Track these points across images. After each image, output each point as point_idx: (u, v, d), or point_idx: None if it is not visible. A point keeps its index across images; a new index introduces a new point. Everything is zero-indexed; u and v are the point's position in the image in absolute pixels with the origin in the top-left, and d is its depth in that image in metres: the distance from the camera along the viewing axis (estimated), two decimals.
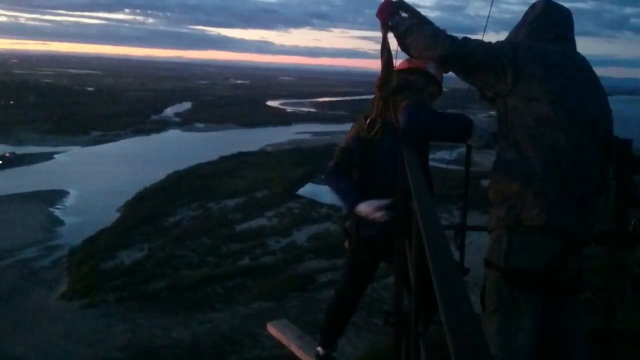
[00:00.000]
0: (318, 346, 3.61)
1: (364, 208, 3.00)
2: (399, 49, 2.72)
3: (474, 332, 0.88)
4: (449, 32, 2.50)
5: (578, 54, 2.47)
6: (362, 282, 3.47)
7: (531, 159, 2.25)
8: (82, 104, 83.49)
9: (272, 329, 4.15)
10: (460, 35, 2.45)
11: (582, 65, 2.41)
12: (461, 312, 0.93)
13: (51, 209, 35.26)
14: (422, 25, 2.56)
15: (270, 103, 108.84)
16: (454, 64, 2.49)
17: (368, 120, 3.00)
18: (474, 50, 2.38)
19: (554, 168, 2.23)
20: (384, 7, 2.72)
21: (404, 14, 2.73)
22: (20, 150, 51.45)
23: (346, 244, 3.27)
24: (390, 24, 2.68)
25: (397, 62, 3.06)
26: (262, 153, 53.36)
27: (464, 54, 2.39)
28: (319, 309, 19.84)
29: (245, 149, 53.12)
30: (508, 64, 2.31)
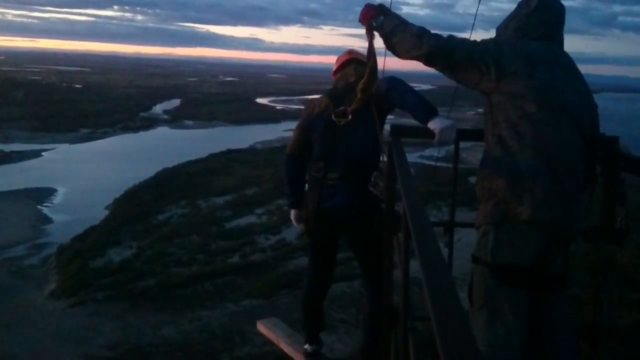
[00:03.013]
0: (305, 344, 3.63)
1: (293, 215, 3.47)
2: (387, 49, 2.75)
3: (462, 329, 0.88)
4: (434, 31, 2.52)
5: (563, 52, 2.49)
6: (327, 264, 3.59)
7: (517, 154, 2.27)
8: (70, 101, 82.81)
9: (261, 327, 4.15)
10: (446, 33, 2.48)
11: (566, 62, 2.44)
12: (449, 309, 0.94)
13: (39, 207, 34.99)
14: (407, 24, 2.58)
15: (259, 100, 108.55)
16: (439, 61, 2.51)
17: (342, 110, 3.16)
18: (458, 47, 2.41)
19: (540, 164, 2.25)
20: (366, 11, 2.76)
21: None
22: (8, 147, 51.01)
23: (302, 228, 3.43)
24: (375, 24, 2.71)
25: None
26: (251, 150, 53.21)
27: (448, 52, 2.42)
28: (324, 315, 19.80)
29: (234, 147, 52.96)
30: (492, 62, 2.33)
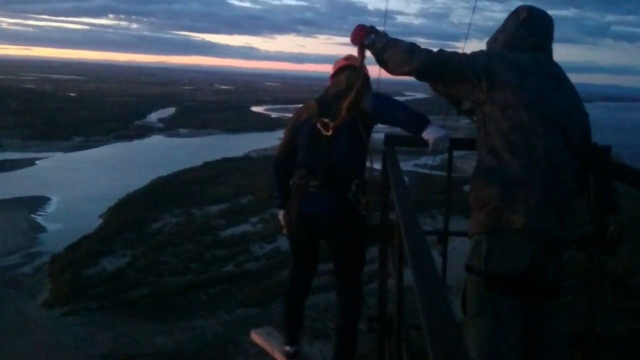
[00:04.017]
0: (285, 346, 3.72)
1: (281, 215, 3.52)
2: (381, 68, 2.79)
3: (454, 339, 0.89)
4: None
5: (552, 62, 2.52)
6: (308, 266, 3.66)
7: (508, 164, 2.29)
8: (65, 109, 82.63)
9: (255, 337, 4.14)
10: (436, 48, 2.52)
11: (556, 72, 2.47)
12: (441, 319, 0.95)
13: (33, 216, 34.83)
14: (398, 40, 2.62)
15: (254, 109, 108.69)
16: (431, 75, 2.55)
17: (328, 123, 3.19)
18: (449, 60, 2.43)
19: (531, 173, 2.27)
20: (358, 31, 2.81)
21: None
22: (1, 156, 50.82)
23: (284, 231, 3.52)
24: (366, 42, 2.76)
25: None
26: (246, 159, 53.17)
27: (439, 65, 2.45)
28: (304, 316, 19.79)
29: (229, 155, 52.92)
30: (482, 73, 2.35)
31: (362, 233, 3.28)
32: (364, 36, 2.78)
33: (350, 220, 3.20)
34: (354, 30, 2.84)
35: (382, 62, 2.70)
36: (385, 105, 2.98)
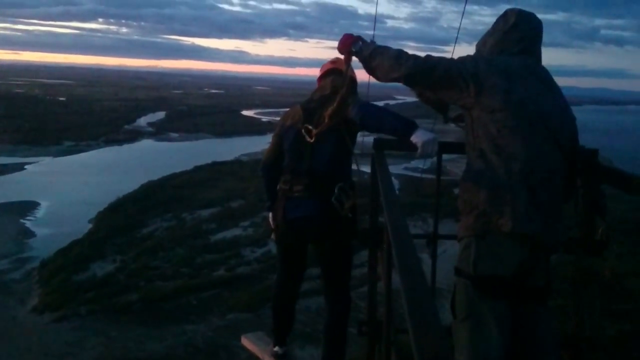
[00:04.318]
0: (274, 347, 3.76)
1: (271, 218, 3.53)
2: (371, 78, 2.81)
3: (440, 343, 0.89)
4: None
5: (540, 66, 2.53)
6: (295, 270, 3.68)
7: (497, 168, 2.30)
8: (54, 114, 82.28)
9: (246, 341, 4.12)
10: (423, 53, 2.53)
11: (543, 76, 2.48)
12: (428, 324, 0.94)
13: (22, 221, 34.62)
14: (386, 47, 2.63)
15: (245, 112, 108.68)
16: (419, 81, 2.56)
17: (312, 130, 3.21)
18: (436, 66, 2.45)
19: (519, 176, 2.28)
20: (345, 39, 2.83)
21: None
22: None
23: (272, 236, 3.54)
24: (354, 49, 2.78)
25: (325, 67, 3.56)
26: (237, 162, 53.11)
27: (427, 71, 2.46)
28: (295, 320, 19.75)
29: (220, 159, 52.86)
30: (469, 77, 2.36)
31: (347, 236, 3.30)
32: (351, 44, 2.79)
33: (334, 224, 3.22)
34: (342, 39, 2.86)
35: (370, 69, 2.71)
36: (371, 115, 3.01)
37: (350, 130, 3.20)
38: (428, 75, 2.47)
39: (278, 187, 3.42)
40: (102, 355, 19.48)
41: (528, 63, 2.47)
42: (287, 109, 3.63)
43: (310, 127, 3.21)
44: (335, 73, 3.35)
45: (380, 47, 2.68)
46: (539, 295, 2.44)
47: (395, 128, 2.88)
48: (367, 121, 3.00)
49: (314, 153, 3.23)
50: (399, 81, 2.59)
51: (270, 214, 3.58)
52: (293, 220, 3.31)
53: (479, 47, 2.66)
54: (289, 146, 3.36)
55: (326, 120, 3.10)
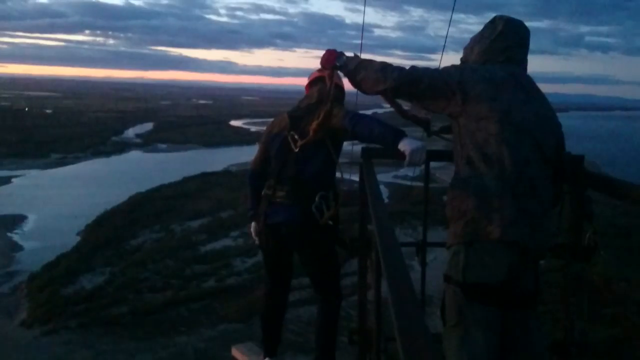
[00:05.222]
0: (264, 358, 3.77)
1: (252, 228, 3.60)
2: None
3: (427, 353, 0.89)
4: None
5: (525, 74, 2.56)
6: (281, 277, 3.72)
7: (484, 175, 2.32)
8: (41, 126, 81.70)
9: (236, 352, 4.11)
10: (408, 65, 2.55)
11: (528, 84, 2.51)
12: (416, 332, 0.95)
13: (9, 234, 34.27)
14: (370, 61, 2.65)
15: (233, 123, 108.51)
16: (405, 92, 2.58)
17: (297, 140, 3.26)
18: (422, 77, 2.47)
19: (506, 183, 2.29)
20: (329, 55, 2.84)
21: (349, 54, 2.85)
22: None
23: (257, 241, 3.58)
24: (338, 64, 2.79)
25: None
26: (226, 173, 52.96)
27: (412, 82, 2.48)
28: (287, 329, 19.68)
29: (209, 169, 52.69)
30: (456, 87, 2.39)
31: (328, 242, 3.32)
32: (335, 59, 2.80)
33: (314, 231, 3.25)
34: (324, 54, 2.88)
35: (355, 83, 2.73)
36: (362, 124, 3.02)
37: (335, 140, 3.23)
38: (414, 87, 2.49)
39: (262, 192, 3.46)
40: None
41: (513, 71, 2.49)
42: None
43: (296, 136, 3.23)
44: (323, 81, 3.37)
45: (364, 60, 2.69)
46: (528, 301, 2.46)
47: (384, 136, 2.89)
48: (358, 130, 3.02)
49: (299, 161, 3.27)
50: (384, 93, 2.60)
51: (253, 224, 3.62)
52: (273, 225, 3.35)
53: (466, 53, 2.69)
54: (275, 153, 3.40)
55: (311, 133, 3.14)
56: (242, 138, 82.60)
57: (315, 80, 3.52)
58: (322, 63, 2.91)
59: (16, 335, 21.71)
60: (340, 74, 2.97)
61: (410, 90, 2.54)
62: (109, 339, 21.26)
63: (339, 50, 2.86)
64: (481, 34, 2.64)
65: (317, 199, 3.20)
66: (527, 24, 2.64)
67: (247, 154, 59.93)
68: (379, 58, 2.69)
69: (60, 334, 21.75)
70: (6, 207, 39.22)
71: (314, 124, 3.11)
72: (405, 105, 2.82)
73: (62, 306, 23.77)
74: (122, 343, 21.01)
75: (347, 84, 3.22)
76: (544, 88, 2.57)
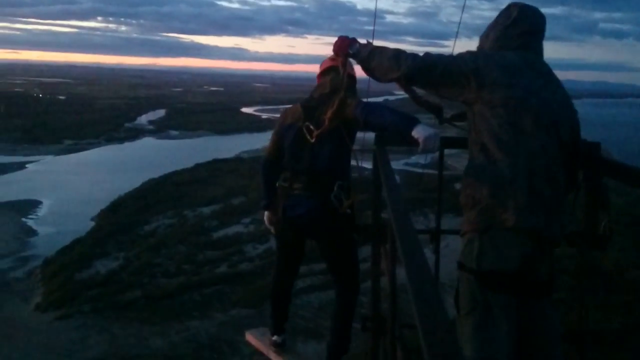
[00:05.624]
0: (272, 335, 3.86)
1: (265, 216, 3.64)
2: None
3: (448, 339, 0.90)
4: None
5: (540, 60, 2.53)
6: (292, 264, 3.79)
7: (499, 162, 2.31)
8: (54, 112, 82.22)
9: (250, 337, 4.14)
10: (422, 52, 2.53)
11: (544, 70, 2.48)
12: (436, 320, 0.95)
13: (24, 219, 34.67)
14: (383, 48, 2.63)
15: (245, 110, 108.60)
16: (419, 80, 2.56)
17: (313, 130, 3.25)
18: (436, 63, 2.45)
19: (521, 171, 2.28)
20: (341, 42, 2.83)
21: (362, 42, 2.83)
22: None
23: (272, 230, 3.63)
24: (351, 51, 2.78)
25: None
26: (237, 160, 53.10)
27: (426, 69, 2.46)
28: (297, 315, 19.81)
29: (220, 156, 52.84)
30: (470, 73, 2.37)
31: (347, 231, 3.35)
32: (348, 46, 2.79)
33: (333, 221, 3.28)
34: (337, 41, 2.88)
35: (368, 71, 2.71)
36: (375, 114, 3.01)
37: (350, 128, 3.22)
38: (428, 74, 2.47)
39: (277, 184, 3.47)
40: (105, 353, 19.54)
41: (528, 57, 2.47)
42: (287, 106, 3.66)
43: (311, 126, 3.23)
44: (335, 70, 3.35)
45: (377, 47, 2.68)
46: (543, 289, 2.45)
47: (397, 125, 2.88)
48: (371, 120, 3.02)
49: (314, 152, 3.27)
50: (398, 81, 2.59)
51: (266, 213, 3.65)
52: (293, 218, 3.37)
53: (482, 41, 2.66)
54: (289, 145, 3.40)
55: (326, 123, 3.14)
56: (253, 125, 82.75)
57: (327, 70, 3.50)
58: (334, 50, 2.90)
59: (31, 319, 22.02)
60: (353, 61, 2.95)
61: (424, 78, 2.52)
62: (123, 323, 21.51)
63: (351, 37, 2.85)
64: (496, 21, 2.62)
65: (335, 188, 3.22)
66: (541, 10, 2.61)
67: (258, 141, 60.11)
68: (390, 44, 2.67)
69: (75, 318, 22.04)
70: (21, 192, 39.62)
71: (329, 113, 3.11)
72: (419, 92, 2.80)
73: (76, 291, 24.06)
74: (135, 327, 21.25)
75: (358, 71, 3.21)
76: (557, 75, 2.55)
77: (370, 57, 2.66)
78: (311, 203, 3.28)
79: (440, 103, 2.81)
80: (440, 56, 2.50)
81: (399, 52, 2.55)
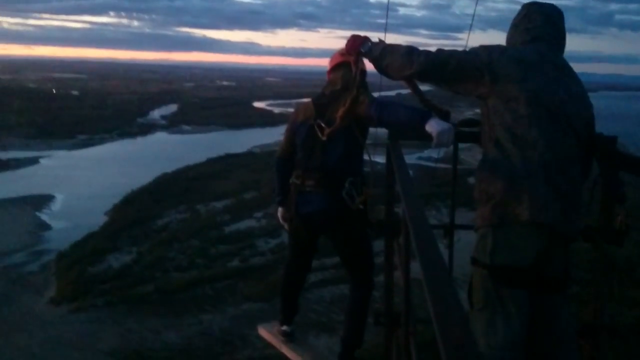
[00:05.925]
0: (282, 325, 3.91)
1: (280, 212, 3.71)
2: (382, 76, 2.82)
3: (464, 333, 0.89)
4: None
5: (555, 53, 2.51)
6: (304, 259, 3.84)
7: (513, 157, 2.29)
8: (67, 107, 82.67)
9: (263, 331, 4.16)
10: (434, 48, 2.52)
11: (560, 63, 2.46)
12: (451, 314, 0.95)
13: (38, 214, 34.95)
14: (396, 45, 2.63)
15: (257, 104, 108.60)
16: (432, 76, 2.55)
17: (324, 128, 3.26)
18: (448, 59, 2.44)
19: (536, 165, 2.27)
20: (353, 41, 2.83)
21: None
22: (5, 155, 50.94)
23: (286, 227, 3.67)
24: (363, 50, 2.78)
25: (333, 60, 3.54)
26: (249, 154, 53.20)
27: (439, 65, 2.45)
28: (309, 309, 19.86)
29: (232, 151, 52.95)
30: (484, 68, 2.35)
31: (360, 227, 3.35)
32: (360, 45, 2.79)
33: (345, 217, 3.30)
34: (349, 40, 2.89)
35: (381, 69, 2.71)
36: (388, 112, 3.01)
37: (362, 125, 3.22)
38: (441, 70, 2.46)
39: (290, 181, 3.50)
40: (118, 346, 19.68)
41: (542, 50, 2.45)
42: (302, 100, 3.67)
43: (322, 124, 3.23)
44: (345, 66, 3.34)
45: (389, 45, 2.67)
46: (557, 284, 2.43)
47: (411, 120, 2.88)
48: (385, 118, 3.02)
49: (326, 149, 3.29)
50: (411, 78, 2.58)
51: (280, 209, 3.69)
52: (305, 215, 3.41)
53: (507, 38, 2.67)
54: (301, 142, 3.43)
55: (338, 121, 3.15)
56: (266, 120, 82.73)
57: (338, 66, 3.49)
58: (347, 49, 2.90)
59: (45, 312, 22.22)
60: (365, 60, 2.95)
61: (437, 74, 2.51)
62: (136, 317, 21.65)
63: (363, 32, 2.85)
64: (514, 18, 2.64)
65: (346, 185, 3.24)
66: (556, 2, 2.60)
67: (270, 136, 60.16)
68: (403, 38, 2.66)
69: (88, 311, 22.21)
70: (34, 187, 39.93)
71: (341, 111, 3.11)
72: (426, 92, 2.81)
73: (89, 285, 24.25)
74: (148, 321, 21.39)
75: (368, 65, 3.20)
76: (573, 68, 2.53)
77: (383, 55, 2.65)
78: (323, 200, 3.31)
79: (448, 109, 2.81)
80: (453, 52, 2.49)
81: (411, 49, 2.54)
